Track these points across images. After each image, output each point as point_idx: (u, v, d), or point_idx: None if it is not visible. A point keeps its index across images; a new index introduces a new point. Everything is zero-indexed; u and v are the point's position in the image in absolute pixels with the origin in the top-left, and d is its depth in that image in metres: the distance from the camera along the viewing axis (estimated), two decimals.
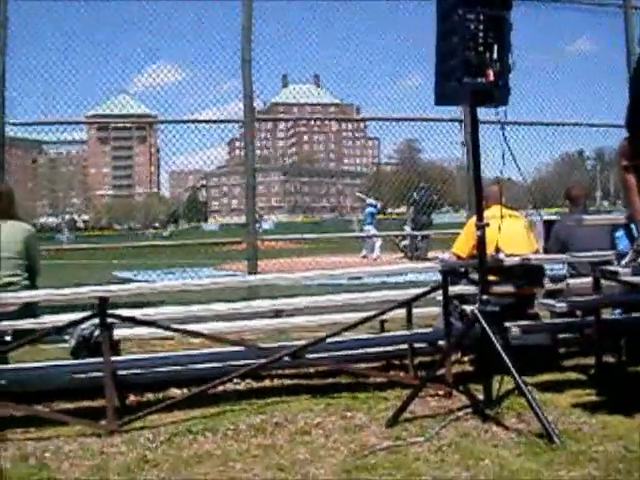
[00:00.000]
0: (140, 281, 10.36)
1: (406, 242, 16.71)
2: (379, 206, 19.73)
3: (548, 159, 12.01)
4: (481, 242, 4.10)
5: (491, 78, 3.76)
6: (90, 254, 14.62)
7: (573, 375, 4.96)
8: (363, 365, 5.11)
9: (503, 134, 4.06)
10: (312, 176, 78.68)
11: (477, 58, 3.75)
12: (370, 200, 20.01)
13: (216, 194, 71.16)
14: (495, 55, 3.77)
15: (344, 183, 75.56)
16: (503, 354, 3.79)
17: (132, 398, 4.75)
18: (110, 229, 62.02)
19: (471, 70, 3.77)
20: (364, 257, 17.99)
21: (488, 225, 4.13)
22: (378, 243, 18.30)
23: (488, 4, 3.75)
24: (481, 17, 3.72)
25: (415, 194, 11.25)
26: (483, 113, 4.33)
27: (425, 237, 14.09)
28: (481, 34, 3.74)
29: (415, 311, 5.17)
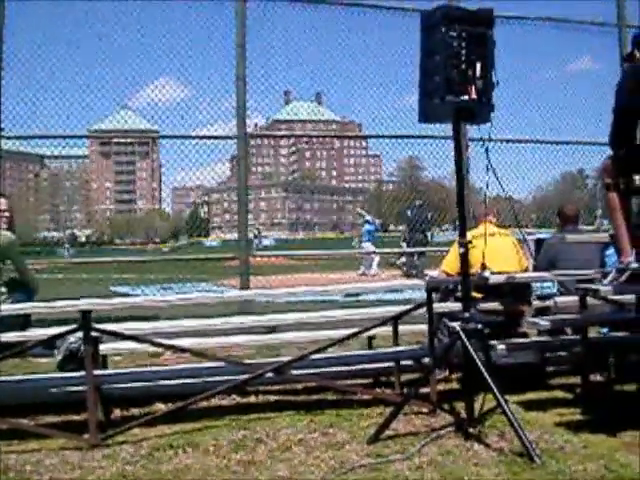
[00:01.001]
0: (129, 295, 10.39)
1: (403, 259, 16.68)
2: (377, 223, 19.69)
3: (549, 178, 12.01)
4: (464, 259, 4.11)
5: (473, 95, 3.77)
6: (90, 268, 14.65)
7: (559, 394, 4.94)
8: (349, 382, 5.08)
9: (487, 152, 4.06)
10: (313, 193, 78.85)
11: (460, 76, 3.76)
12: (368, 217, 19.98)
13: (218, 210, 71.25)
14: (478, 72, 3.78)
15: (345, 200, 75.74)
16: (484, 371, 3.77)
17: (117, 412, 4.72)
18: (111, 244, 62.06)
19: (454, 88, 3.78)
20: (362, 274, 17.90)
21: (471, 242, 4.14)
22: (376, 260, 18.22)
23: (471, 22, 3.77)
24: (464, 34, 3.74)
25: (408, 212, 11.22)
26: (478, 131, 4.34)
27: (422, 255, 14.03)
28: (464, 52, 3.75)
29: (407, 328, 5.15)
